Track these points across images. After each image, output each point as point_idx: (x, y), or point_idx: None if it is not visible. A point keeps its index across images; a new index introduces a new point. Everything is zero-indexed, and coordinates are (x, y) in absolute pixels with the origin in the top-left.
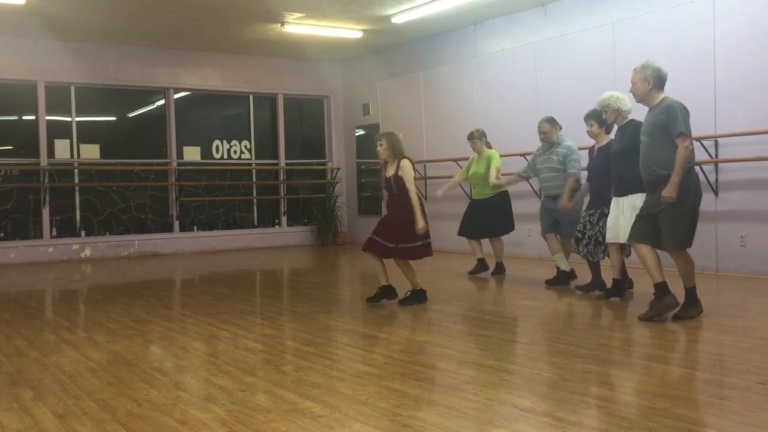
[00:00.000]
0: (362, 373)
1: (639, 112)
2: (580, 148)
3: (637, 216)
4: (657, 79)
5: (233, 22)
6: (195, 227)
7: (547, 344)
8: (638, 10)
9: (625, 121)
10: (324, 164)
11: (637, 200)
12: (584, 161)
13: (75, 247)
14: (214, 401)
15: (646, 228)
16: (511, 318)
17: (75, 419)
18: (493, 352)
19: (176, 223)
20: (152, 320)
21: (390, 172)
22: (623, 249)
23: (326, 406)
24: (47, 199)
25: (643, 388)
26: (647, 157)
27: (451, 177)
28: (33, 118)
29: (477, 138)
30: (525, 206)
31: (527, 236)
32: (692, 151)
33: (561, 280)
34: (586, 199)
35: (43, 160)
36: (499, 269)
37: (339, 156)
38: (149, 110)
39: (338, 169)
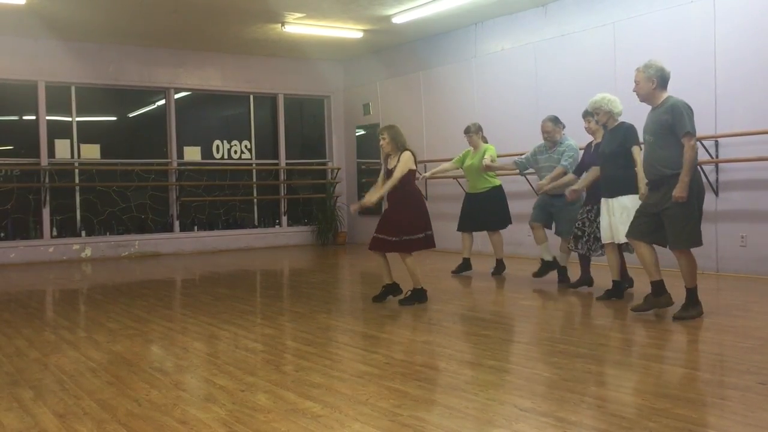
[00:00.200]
0: (362, 373)
1: (629, 115)
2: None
3: (637, 212)
4: (660, 79)
5: (234, 22)
6: (195, 227)
7: (547, 344)
8: (639, 10)
9: (616, 123)
10: (324, 164)
11: (628, 201)
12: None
13: (75, 247)
14: (215, 401)
15: (646, 226)
16: (511, 318)
17: (75, 419)
18: (494, 352)
19: (177, 223)
20: (153, 320)
21: (392, 164)
22: (621, 247)
23: (326, 406)
24: (48, 199)
25: (643, 388)
26: (652, 156)
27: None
28: (33, 118)
29: (473, 132)
30: (525, 206)
31: (527, 236)
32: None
33: (544, 271)
34: (583, 195)
35: (44, 160)
36: (499, 267)
37: (339, 156)
38: (150, 110)
39: (338, 169)
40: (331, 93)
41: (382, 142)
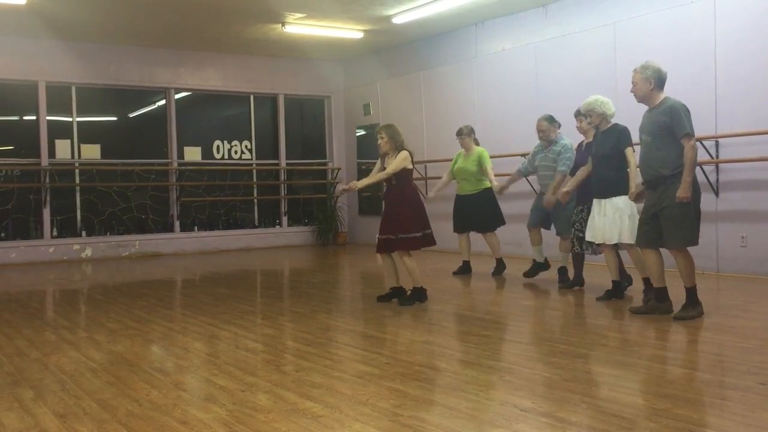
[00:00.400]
0: (363, 373)
1: (630, 114)
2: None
3: (641, 220)
4: (658, 80)
5: (234, 22)
6: (196, 227)
7: (547, 344)
8: (639, 11)
9: (609, 125)
10: (325, 164)
11: (620, 202)
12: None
13: (76, 247)
14: (215, 401)
15: (651, 232)
16: (511, 318)
17: (75, 419)
18: (494, 352)
19: (177, 223)
20: (153, 320)
21: (389, 163)
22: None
23: (327, 406)
24: (48, 199)
25: (643, 388)
26: (649, 157)
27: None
28: (34, 118)
29: (466, 134)
30: (525, 206)
31: (527, 236)
32: None
33: (534, 272)
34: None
35: (44, 160)
36: (499, 267)
37: (340, 156)
38: (150, 110)
39: (339, 169)
40: (332, 93)
41: (380, 141)
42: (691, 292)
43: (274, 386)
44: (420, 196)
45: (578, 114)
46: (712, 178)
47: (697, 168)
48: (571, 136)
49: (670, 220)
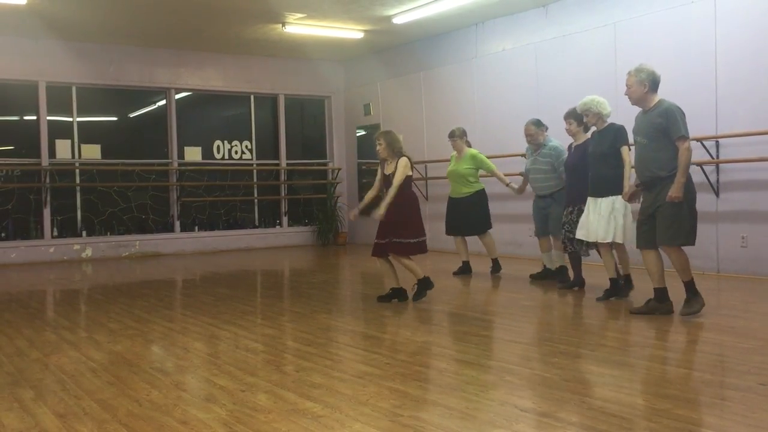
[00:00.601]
0: (363, 374)
1: (630, 115)
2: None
3: (638, 221)
4: (652, 82)
5: (234, 22)
6: (196, 227)
7: (547, 344)
8: (639, 11)
9: (605, 125)
10: (325, 165)
11: (617, 202)
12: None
13: (76, 247)
14: (215, 401)
15: (651, 233)
16: (511, 318)
17: (76, 419)
18: (494, 352)
19: (177, 224)
20: (153, 320)
21: (389, 169)
22: (591, 245)
23: (327, 406)
24: (48, 199)
25: (643, 388)
26: (645, 158)
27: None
28: (34, 118)
29: (458, 136)
30: (525, 206)
31: (527, 236)
32: None
33: (544, 275)
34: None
35: (45, 160)
36: (495, 267)
37: (340, 156)
38: (150, 110)
39: (339, 169)
40: (332, 93)
41: (378, 147)
42: (690, 285)
43: (275, 386)
44: (418, 201)
45: (567, 116)
46: (713, 178)
47: (698, 168)
48: (561, 138)
49: (663, 219)
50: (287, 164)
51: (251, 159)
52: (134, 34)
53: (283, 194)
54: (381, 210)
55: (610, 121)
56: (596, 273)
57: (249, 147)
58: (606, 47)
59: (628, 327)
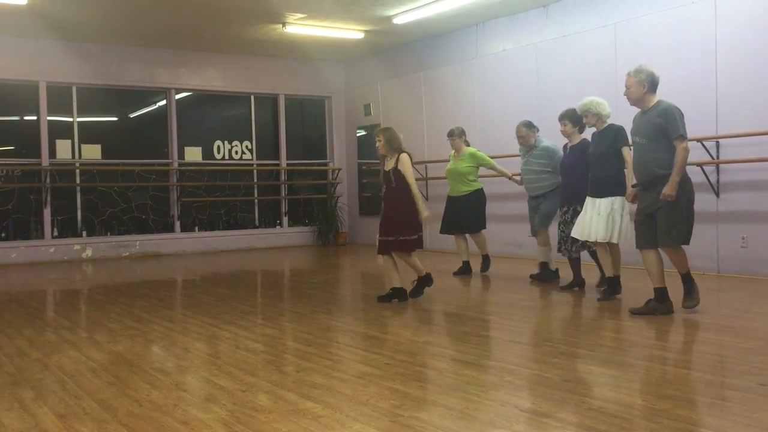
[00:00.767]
0: (363, 374)
1: (623, 117)
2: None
3: (637, 221)
4: (651, 83)
5: (235, 22)
6: (196, 227)
7: (547, 345)
8: (640, 11)
9: (604, 125)
10: (325, 165)
11: (616, 202)
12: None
13: (76, 247)
14: (215, 401)
15: (650, 232)
16: (511, 319)
17: (76, 419)
18: (494, 352)
19: (177, 224)
20: (153, 320)
21: (389, 165)
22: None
23: (327, 406)
24: (49, 199)
25: (643, 388)
26: (645, 158)
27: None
28: (34, 118)
29: (457, 135)
30: (525, 206)
31: (528, 237)
32: None
33: (544, 276)
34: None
35: (45, 160)
36: (485, 263)
37: (340, 156)
38: (151, 110)
39: (339, 169)
40: (332, 93)
41: (377, 144)
42: (687, 277)
43: (275, 386)
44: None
45: (562, 117)
46: (713, 178)
47: (698, 168)
48: (558, 139)
49: (664, 221)
50: (287, 164)
51: (251, 159)
52: (134, 34)
53: (283, 194)
54: (424, 212)
55: (609, 121)
56: (596, 273)
57: (249, 147)
58: (606, 48)
59: (628, 327)
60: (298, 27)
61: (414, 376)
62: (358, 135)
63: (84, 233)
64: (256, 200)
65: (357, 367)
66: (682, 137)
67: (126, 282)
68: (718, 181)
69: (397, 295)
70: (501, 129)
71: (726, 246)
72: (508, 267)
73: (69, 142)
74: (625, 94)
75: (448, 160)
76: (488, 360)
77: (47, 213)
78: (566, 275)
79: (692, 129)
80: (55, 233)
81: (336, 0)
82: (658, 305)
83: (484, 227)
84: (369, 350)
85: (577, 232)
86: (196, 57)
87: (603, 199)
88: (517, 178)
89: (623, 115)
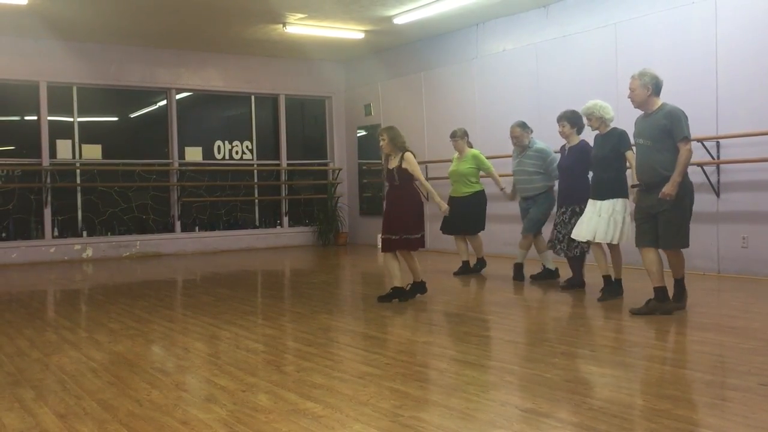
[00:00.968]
0: (363, 374)
1: (623, 117)
2: (556, 151)
3: (638, 220)
4: (655, 86)
5: (235, 22)
6: (196, 227)
7: (547, 345)
8: (640, 11)
9: (608, 129)
10: (325, 165)
11: (617, 204)
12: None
13: (77, 247)
14: (216, 401)
15: (651, 232)
16: (511, 319)
17: (76, 419)
18: (494, 352)
19: (178, 224)
20: (154, 320)
21: (393, 164)
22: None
23: (327, 406)
24: (49, 199)
25: (643, 388)
26: (650, 159)
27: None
28: (35, 118)
29: (459, 137)
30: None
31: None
32: None
33: (544, 276)
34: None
35: (45, 160)
36: (480, 264)
37: (340, 157)
38: (151, 110)
39: (340, 169)
40: (333, 93)
41: (381, 143)
42: (680, 283)
43: (275, 386)
44: (421, 196)
45: (560, 119)
46: (713, 178)
47: (698, 168)
48: (557, 140)
49: (668, 224)
50: (288, 164)
51: (252, 159)
52: (135, 34)
53: (283, 194)
54: (443, 206)
55: (612, 125)
56: (596, 273)
57: (249, 147)
58: (606, 48)
59: (628, 327)
60: (299, 27)
61: (414, 376)
62: (358, 135)
63: (84, 233)
64: (256, 200)
65: (357, 367)
66: (687, 139)
67: (126, 282)
68: (718, 181)
69: (398, 294)
70: (501, 129)
71: (726, 246)
72: (508, 267)
73: (69, 142)
74: (629, 97)
75: (450, 161)
76: (488, 360)
77: (48, 213)
78: (566, 275)
79: (692, 129)
80: (56, 233)
81: (336, 0)
82: (658, 305)
83: (483, 229)
84: (369, 350)
85: (576, 233)
86: (196, 57)
87: (604, 201)
88: (507, 190)
89: (623, 116)
